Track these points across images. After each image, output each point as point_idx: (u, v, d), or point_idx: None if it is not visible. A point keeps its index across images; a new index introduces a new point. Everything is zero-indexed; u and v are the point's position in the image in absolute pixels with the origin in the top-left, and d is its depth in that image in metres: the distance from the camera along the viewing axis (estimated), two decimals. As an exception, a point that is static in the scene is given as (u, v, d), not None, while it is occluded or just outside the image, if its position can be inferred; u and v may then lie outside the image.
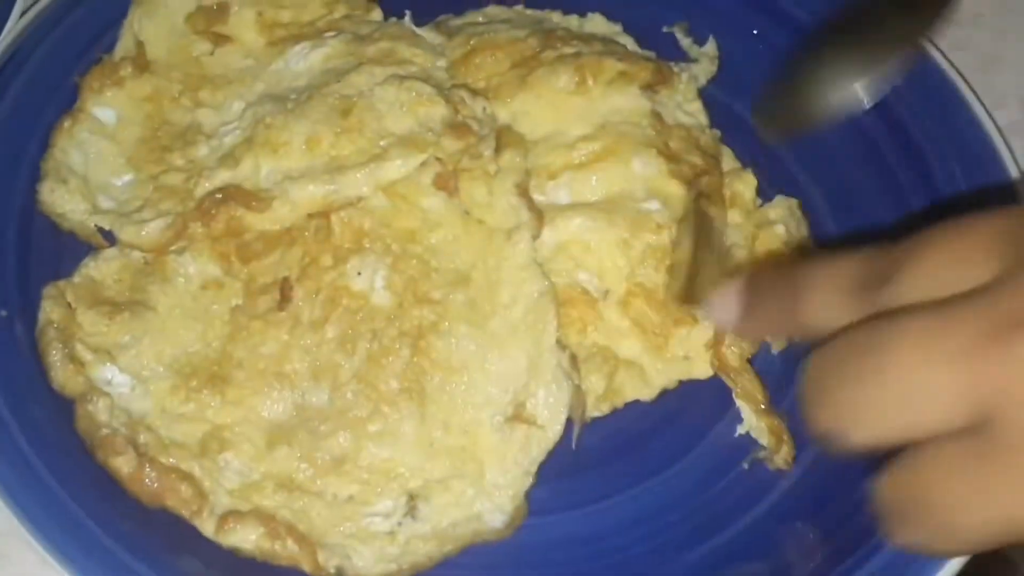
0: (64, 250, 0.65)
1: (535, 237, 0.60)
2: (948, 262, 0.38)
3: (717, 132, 0.70)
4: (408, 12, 0.71)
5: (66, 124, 0.66)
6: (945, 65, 0.72)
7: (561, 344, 0.59)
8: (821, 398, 0.39)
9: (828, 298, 0.42)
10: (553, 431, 0.58)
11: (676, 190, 0.64)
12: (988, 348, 0.35)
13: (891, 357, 0.37)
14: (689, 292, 0.58)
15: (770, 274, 0.47)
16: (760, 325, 0.49)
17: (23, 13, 0.72)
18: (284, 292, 0.59)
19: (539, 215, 0.61)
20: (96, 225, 0.64)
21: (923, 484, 0.37)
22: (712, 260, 0.59)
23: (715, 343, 0.62)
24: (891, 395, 0.37)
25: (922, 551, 0.40)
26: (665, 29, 0.76)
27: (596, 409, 0.61)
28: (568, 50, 0.67)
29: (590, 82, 0.65)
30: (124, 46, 0.70)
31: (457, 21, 0.73)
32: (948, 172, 0.69)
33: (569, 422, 0.59)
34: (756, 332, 0.50)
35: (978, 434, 0.35)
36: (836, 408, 0.39)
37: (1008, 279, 0.36)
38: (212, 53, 0.70)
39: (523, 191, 0.61)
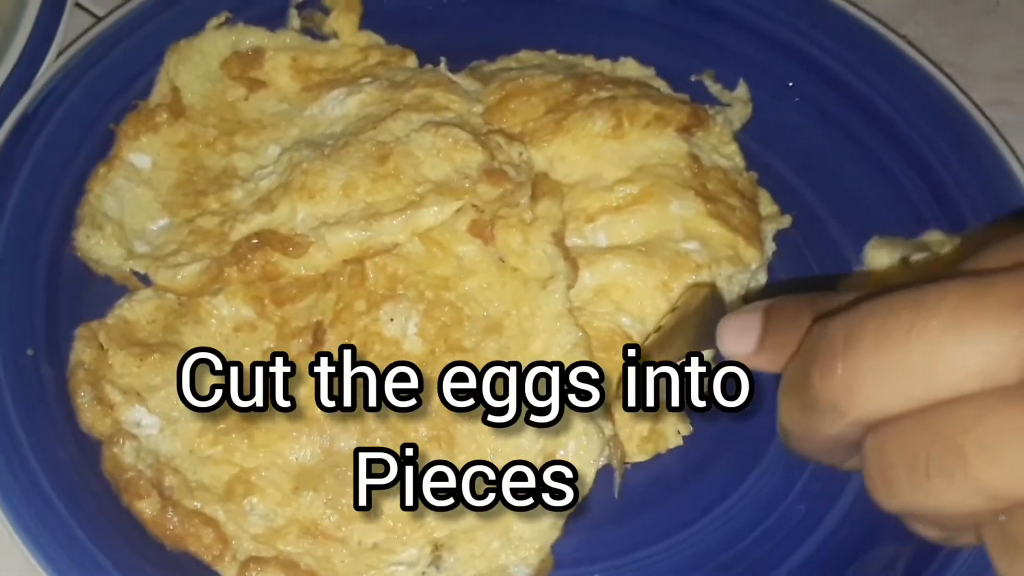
0: (92, 292, 0.68)
1: (570, 286, 0.62)
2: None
3: (754, 174, 0.73)
4: (443, 59, 0.74)
5: (102, 171, 0.70)
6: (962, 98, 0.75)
7: (594, 395, 0.60)
8: (840, 358, 0.39)
9: (872, 375, 0.40)
10: (583, 483, 0.59)
11: (715, 229, 0.66)
12: None
13: (926, 313, 0.37)
14: (659, 347, 0.60)
15: (791, 304, 0.46)
16: (775, 358, 0.46)
17: (59, 54, 0.75)
18: (317, 336, 0.62)
19: (574, 264, 0.64)
20: (131, 269, 0.66)
21: (962, 438, 0.37)
22: (692, 329, 0.60)
23: None
24: (931, 353, 0.37)
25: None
26: (693, 78, 0.80)
27: (641, 453, 0.63)
28: (603, 94, 0.70)
29: (626, 125, 0.69)
30: (160, 92, 0.74)
31: (491, 67, 0.76)
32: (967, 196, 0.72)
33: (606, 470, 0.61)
34: (770, 365, 0.47)
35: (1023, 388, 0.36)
36: (868, 372, 0.38)
37: None
38: (247, 98, 0.74)
39: (559, 240, 0.63)
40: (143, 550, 0.59)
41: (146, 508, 0.59)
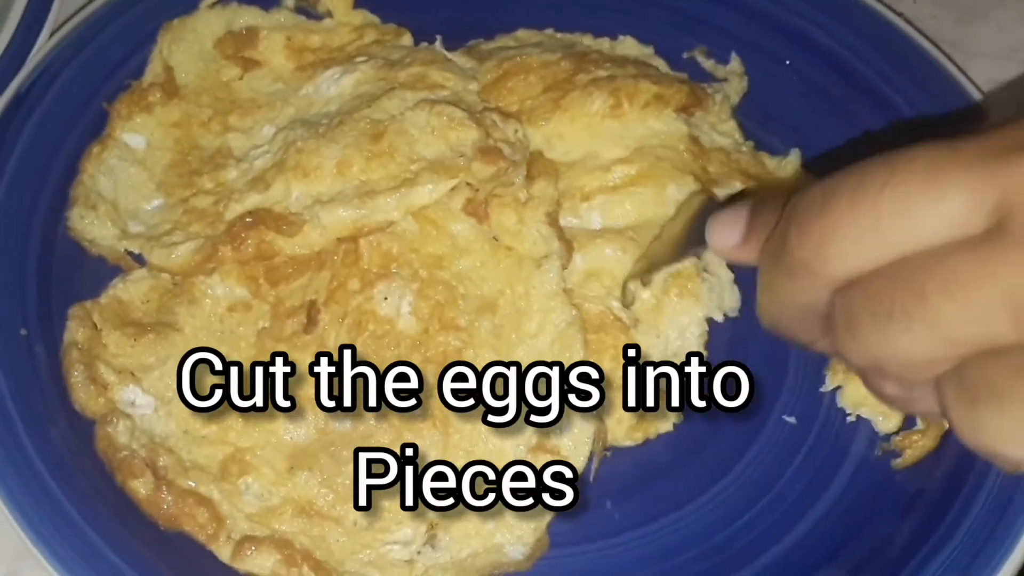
0: (85, 271, 0.68)
1: (564, 266, 0.63)
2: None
3: (751, 143, 0.74)
4: (439, 37, 0.74)
5: (95, 150, 0.70)
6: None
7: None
8: (816, 217, 0.41)
9: (842, 234, 0.41)
10: (577, 463, 0.60)
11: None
12: (999, 159, 0.37)
13: (900, 171, 0.39)
14: (657, 249, 0.62)
15: (775, 197, 0.46)
16: (759, 248, 0.47)
17: (52, 33, 0.75)
18: (311, 315, 0.62)
19: (569, 245, 0.64)
20: (126, 248, 0.67)
21: (925, 280, 0.38)
22: (687, 232, 0.61)
23: None
24: (901, 207, 0.39)
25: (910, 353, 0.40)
26: (685, 55, 0.80)
27: (629, 439, 0.64)
28: (602, 73, 0.70)
29: (625, 105, 0.69)
30: (153, 72, 0.74)
31: (488, 45, 0.76)
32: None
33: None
34: (753, 258, 0.48)
35: (988, 237, 0.37)
36: (841, 228, 0.40)
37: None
38: (241, 78, 0.74)
39: (553, 220, 0.64)
40: (137, 530, 0.59)
41: (140, 488, 0.59)
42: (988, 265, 0.37)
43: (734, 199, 0.57)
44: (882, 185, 0.39)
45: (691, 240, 0.60)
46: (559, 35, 0.77)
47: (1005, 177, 0.37)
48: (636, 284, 0.64)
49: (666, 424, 0.64)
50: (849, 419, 0.68)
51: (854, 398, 0.67)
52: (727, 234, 0.49)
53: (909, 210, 0.39)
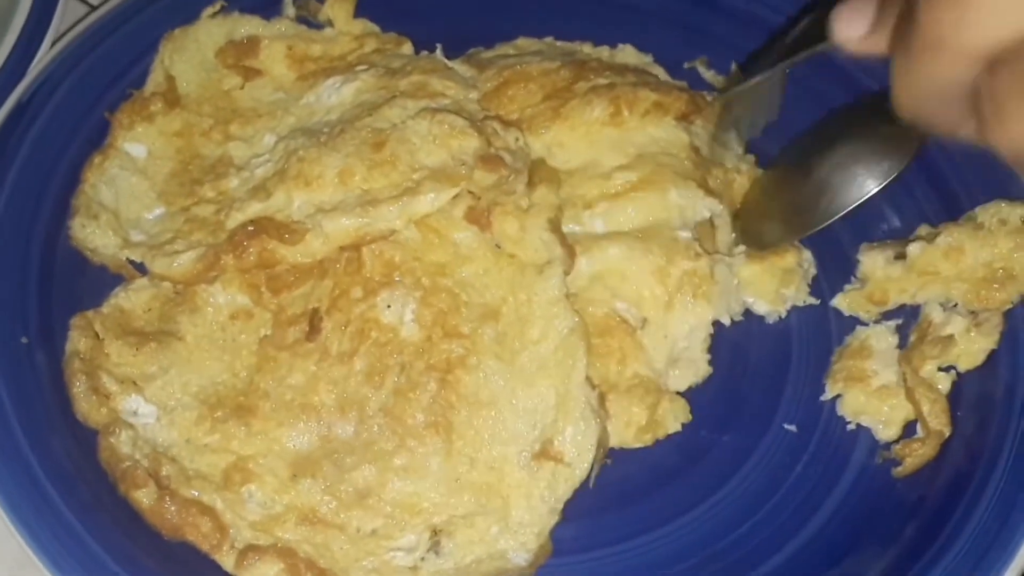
0: (86, 280, 0.69)
1: (567, 273, 0.63)
2: None
3: (751, 157, 0.74)
4: (439, 45, 0.74)
5: (97, 160, 0.70)
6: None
7: (590, 381, 0.61)
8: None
9: (977, 5, 0.39)
10: (580, 469, 0.61)
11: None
12: None
13: None
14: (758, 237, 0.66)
15: None
16: (885, 39, 0.45)
17: (54, 43, 0.75)
18: (313, 323, 0.62)
19: (571, 251, 0.64)
20: (127, 257, 0.67)
21: None
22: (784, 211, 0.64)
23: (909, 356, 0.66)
24: None
25: None
26: (686, 65, 0.80)
27: (638, 441, 0.65)
28: (602, 81, 0.71)
29: (625, 113, 0.69)
30: (154, 81, 0.74)
31: (488, 54, 0.77)
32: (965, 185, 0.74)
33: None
34: (883, 47, 0.45)
35: None
36: None
37: None
38: (242, 87, 0.75)
39: (555, 227, 0.64)
40: (139, 539, 0.60)
41: (143, 497, 0.59)
42: None
43: None
44: None
45: (808, 37, 0.58)
46: (559, 43, 0.78)
47: None
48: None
49: (675, 424, 0.65)
50: (849, 427, 0.68)
51: (854, 406, 0.68)
52: (854, 25, 0.47)
53: None
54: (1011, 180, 0.71)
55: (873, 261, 0.71)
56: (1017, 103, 0.38)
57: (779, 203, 0.70)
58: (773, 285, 0.70)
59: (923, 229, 0.72)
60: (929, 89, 0.42)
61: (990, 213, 0.70)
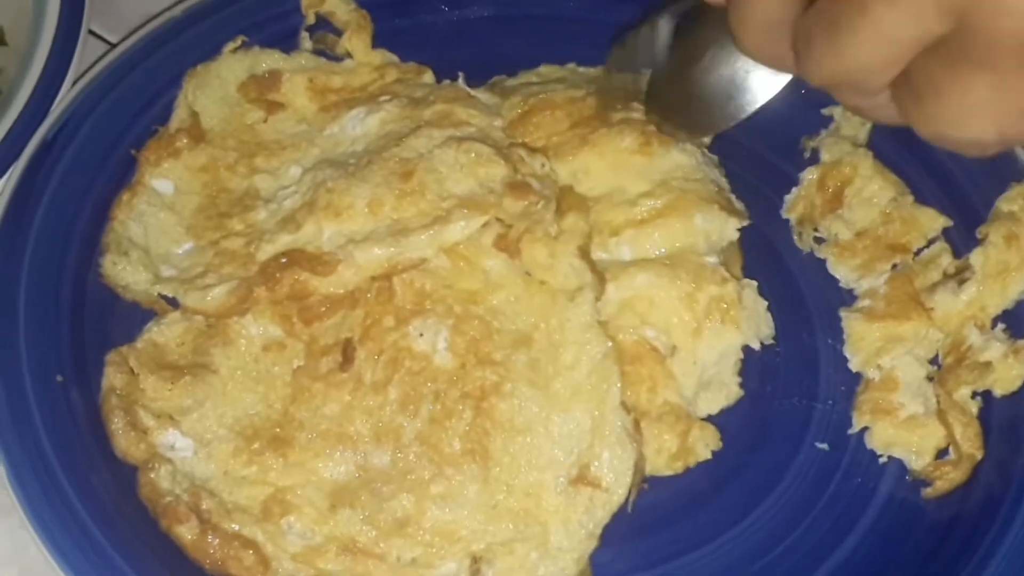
0: (117, 316, 0.70)
1: (598, 298, 0.64)
2: None
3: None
4: (461, 74, 0.76)
5: (125, 197, 0.72)
6: None
7: (625, 406, 0.62)
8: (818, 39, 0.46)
9: None
10: (618, 493, 0.62)
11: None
12: None
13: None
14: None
15: None
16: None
17: (75, 82, 0.77)
18: (346, 353, 0.64)
19: (601, 277, 0.65)
20: (159, 293, 0.68)
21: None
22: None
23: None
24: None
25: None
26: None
27: (669, 468, 0.66)
28: (635, 115, 0.71)
29: (655, 144, 0.70)
30: (179, 117, 0.76)
31: (512, 82, 0.79)
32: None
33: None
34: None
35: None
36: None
37: None
38: (266, 120, 0.76)
39: (585, 253, 0.65)
40: (181, 575, 0.61)
41: (186, 533, 0.61)
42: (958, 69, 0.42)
43: None
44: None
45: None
46: (581, 69, 0.79)
47: None
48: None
49: (705, 452, 0.66)
50: (881, 460, 0.69)
51: (883, 439, 0.69)
52: None
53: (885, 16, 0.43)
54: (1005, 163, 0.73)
55: (947, 305, 0.71)
56: (822, 39, 0.45)
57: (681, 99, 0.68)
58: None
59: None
60: (757, 25, 0.49)
61: (1013, 198, 0.71)
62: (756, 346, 0.69)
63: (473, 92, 0.74)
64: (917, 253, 0.74)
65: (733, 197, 0.72)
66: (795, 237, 0.77)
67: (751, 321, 0.68)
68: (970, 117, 0.44)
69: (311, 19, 0.80)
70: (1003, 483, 0.65)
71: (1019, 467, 0.65)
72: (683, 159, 0.71)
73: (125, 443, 0.62)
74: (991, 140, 0.45)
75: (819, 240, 0.76)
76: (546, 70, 0.79)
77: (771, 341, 0.70)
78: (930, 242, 0.74)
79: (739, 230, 0.70)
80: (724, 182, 0.73)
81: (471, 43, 0.82)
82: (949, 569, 0.63)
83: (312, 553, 0.60)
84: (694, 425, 0.66)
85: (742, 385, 0.69)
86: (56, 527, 0.60)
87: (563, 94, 0.73)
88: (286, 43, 0.79)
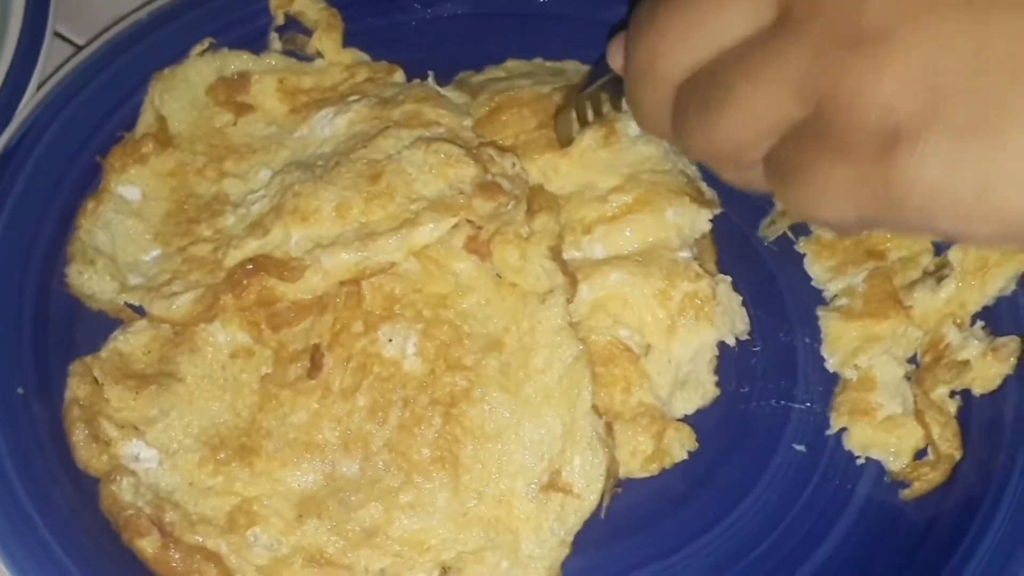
0: (82, 325, 0.69)
1: (569, 300, 0.64)
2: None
3: None
4: (431, 73, 0.75)
5: (90, 205, 0.71)
6: None
7: (597, 410, 0.62)
8: (647, 30, 0.51)
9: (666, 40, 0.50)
10: (590, 499, 0.61)
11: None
12: (815, 60, 0.44)
13: (733, 75, 0.47)
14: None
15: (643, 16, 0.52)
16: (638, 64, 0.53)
17: (40, 86, 0.76)
18: (315, 360, 0.63)
19: (573, 278, 0.65)
20: (125, 301, 0.68)
21: (732, 72, 0.47)
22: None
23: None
24: (707, 12, 0.48)
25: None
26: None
27: (644, 470, 0.65)
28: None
29: (617, 135, 0.70)
30: (145, 122, 0.75)
31: (479, 77, 0.78)
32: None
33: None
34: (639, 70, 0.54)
35: (776, 27, 0.45)
36: (660, 35, 0.50)
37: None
38: (235, 123, 0.75)
39: (556, 254, 0.65)
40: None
41: (147, 546, 0.60)
42: (774, 53, 0.45)
43: None
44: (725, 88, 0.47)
45: (597, 71, 0.66)
46: (548, 63, 0.79)
47: (820, 67, 0.43)
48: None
49: (681, 453, 0.65)
50: (859, 461, 0.69)
51: (861, 440, 0.69)
52: (615, 57, 0.57)
53: (719, 12, 0.47)
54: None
55: (926, 302, 0.70)
56: (694, 116, 0.49)
57: None
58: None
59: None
60: (645, 106, 0.53)
61: None
62: (731, 342, 0.68)
63: (443, 91, 0.74)
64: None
65: (704, 185, 0.72)
66: (765, 226, 0.76)
67: (726, 317, 0.67)
68: (830, 201, 0.45)
69: (280, 20, 0.80)
70: (982, 483, 0.64)
71: (998, 467, 0.65)
72: (649, 150, 0.70)
73: (87, 455, 0.61)
74: (852, 222, 0.46)
75: (799, 233, 0.76)
76: (512, 64, 0.79)
77: (747, 337, 0.70)
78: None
79: (711, 220, 0.70)
80: (693, 170, 0.72)
81: (445, 41, 0.82)
82: (929, 570, 0.63)
83: (278, 564, 0.59)
84: (669, 426, 0.65)
85: (719, 384, 0.68)
86: (14, 542, 0.59)
87: (530, 91, 0.73)
88: (255, 44, 0.79)
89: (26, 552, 0.59)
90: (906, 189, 0.43)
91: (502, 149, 0.69)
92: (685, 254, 0.68)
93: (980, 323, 0.70)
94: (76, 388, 0.64)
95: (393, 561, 0.60)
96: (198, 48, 0.77)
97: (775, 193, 0.49)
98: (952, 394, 0.68)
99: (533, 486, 0.61)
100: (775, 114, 0.45)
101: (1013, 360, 0.67)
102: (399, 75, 0.77)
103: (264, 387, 0.63)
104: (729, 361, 0.69)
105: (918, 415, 0.67)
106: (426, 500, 0.61)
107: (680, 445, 0.66)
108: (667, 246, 0.68)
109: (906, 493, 0.66)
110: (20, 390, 0.65)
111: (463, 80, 0.77)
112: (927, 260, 0.72)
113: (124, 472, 0.61)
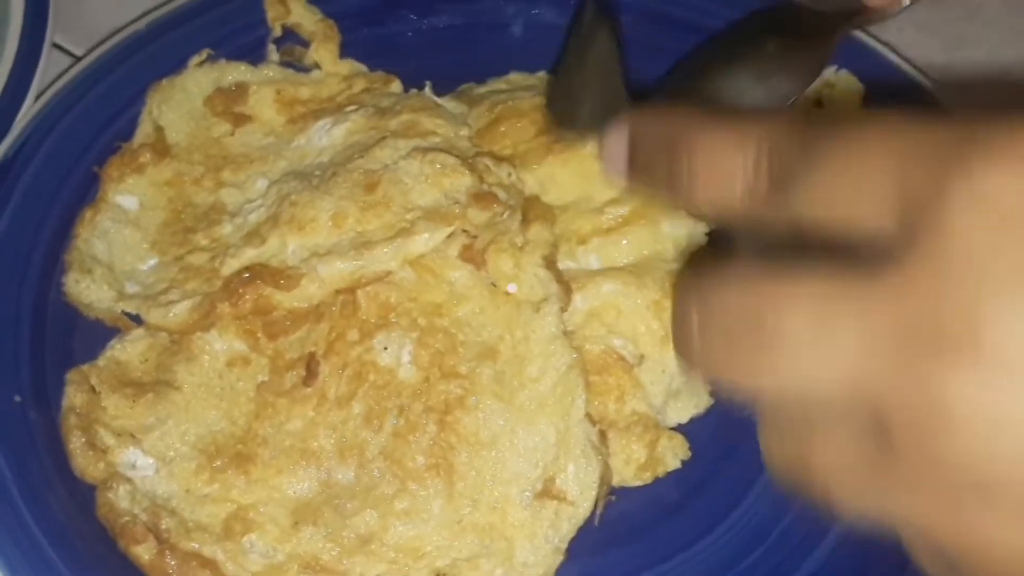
0: (79, 334, 0.70)
1: (563, 309, 0.64)
2: (847, 181, 0.34)
3: None
4: (428, 83, 0.76)
5: (88, 215, 0.71)
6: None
7: (591, 417, 0.62)
8: (710, 354, 0.38)
9: (719, 178, 0.38)
10: (584, 507, 0.62)
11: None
12: (883, 352, 0.33)
13: (793, 310, 0.35)
14: (569, 117, 0.60)
15: (658, 120, 0.42)
16: (650, 183, 0.44)
17: (38, 96, 0.77)
18: (310, 368, 0.63)
19: (567, 287, 0.65)
20: (123, 310, 0.68)
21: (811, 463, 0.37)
22: (599, 89, 0.58)
23: None
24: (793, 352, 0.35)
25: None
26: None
27: (637, 479, 0.65)
28: None
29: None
30: (143, 132, 0.75)
31: (480, 89, 0.78)
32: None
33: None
34: (649, 189, 0.44)
35: (869, 433, 0.34)
36: (726, 364, 0.37)
37: (907, 249, 0.32)
38: (232, 133, 0.76)
39: (551, 263, 0.65)
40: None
41: (144, 553, 0.60)
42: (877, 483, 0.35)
43: None
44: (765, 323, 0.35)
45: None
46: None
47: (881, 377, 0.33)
48: None
49: (674, 462, 0.66)
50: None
51: None
52: (613, 168, 0.46)
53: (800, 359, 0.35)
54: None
55: None
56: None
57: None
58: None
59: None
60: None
61: None
62: None
63: (440, 101, 0.74)
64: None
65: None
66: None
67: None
68: None
69: (278, 31, 0.80)
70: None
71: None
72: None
73: (83, 462, 0.62)
74: None
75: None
76: (516, 78, 0.79)
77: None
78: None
79: (708, 233, 0.70)
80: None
81: (441, 51, 0.82)
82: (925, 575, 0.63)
83: (274, 571, 0.60)
84: (663, 435, 0.66)
85: (712, 394, 0.68)
86: (11, 549, 0.59)
87: (529, 102, 0.73)
88: (253, 55, 0.79)
89: (23, 559, 0.59)
90: None
91: (499, 159, 0.70)
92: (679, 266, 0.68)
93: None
94: (73, 396, 0.64)
95: (388, 568, 0.60)
96: (196, 59, 0.77)
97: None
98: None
99: (527, 493, 0.61)
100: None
101: None
102: (396, 85, 0.77)
103: (260, 395, 0.64)
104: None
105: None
106: (421, 507, 0.61)
107: (673, 454, 0.66)
108: (662, 258, 0.68)
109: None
110: (17, 398, 0.65)
111: (465, 91, 0.78)
112: None
113: (121, 480, 0.62)
